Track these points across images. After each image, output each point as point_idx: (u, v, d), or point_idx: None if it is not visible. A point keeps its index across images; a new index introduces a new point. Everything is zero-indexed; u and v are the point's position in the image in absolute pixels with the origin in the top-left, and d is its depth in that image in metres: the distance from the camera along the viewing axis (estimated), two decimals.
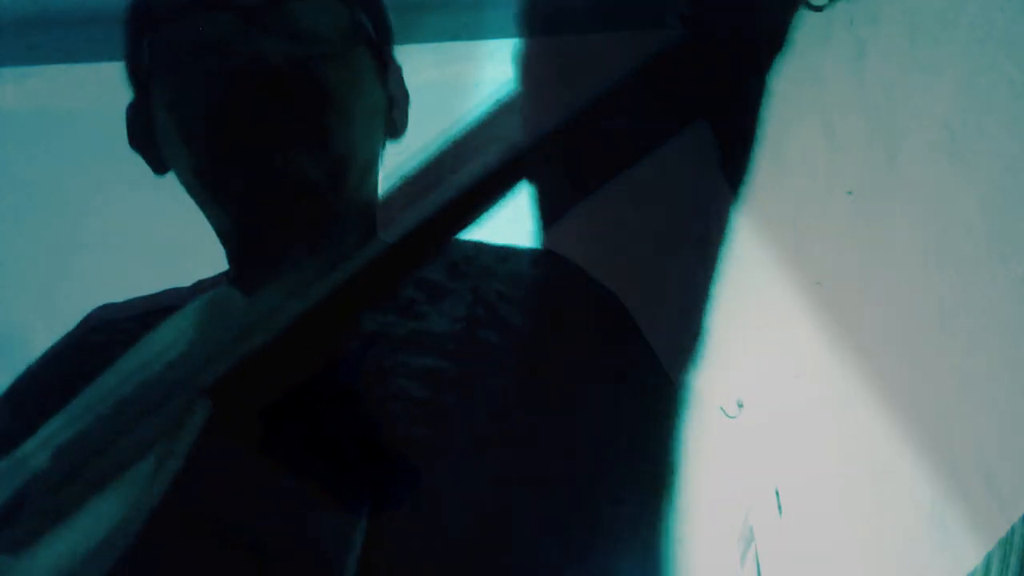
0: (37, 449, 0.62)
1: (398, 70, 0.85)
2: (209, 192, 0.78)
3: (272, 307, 0.53)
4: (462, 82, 1.90)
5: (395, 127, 0.84)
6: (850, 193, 1.64)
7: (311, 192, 0.73)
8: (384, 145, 0.84)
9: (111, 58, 2.02)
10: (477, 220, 0.49)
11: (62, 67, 1.94)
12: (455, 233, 0.50)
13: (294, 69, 0.74)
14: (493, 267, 0.74)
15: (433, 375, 0.66)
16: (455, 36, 1.89)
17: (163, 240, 1.86)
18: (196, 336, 0.58)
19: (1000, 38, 1.29)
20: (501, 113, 0.48)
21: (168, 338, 0.62)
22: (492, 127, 0.48)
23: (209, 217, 0.81)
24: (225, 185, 0.75)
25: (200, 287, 0.81)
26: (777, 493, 2.01)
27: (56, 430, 0.62)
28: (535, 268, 0.75)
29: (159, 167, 0.83)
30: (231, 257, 0.81)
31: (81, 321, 0.82)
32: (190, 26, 0.76)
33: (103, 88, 1.98)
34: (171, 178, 0.90)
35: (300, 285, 0.52)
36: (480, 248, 0.75)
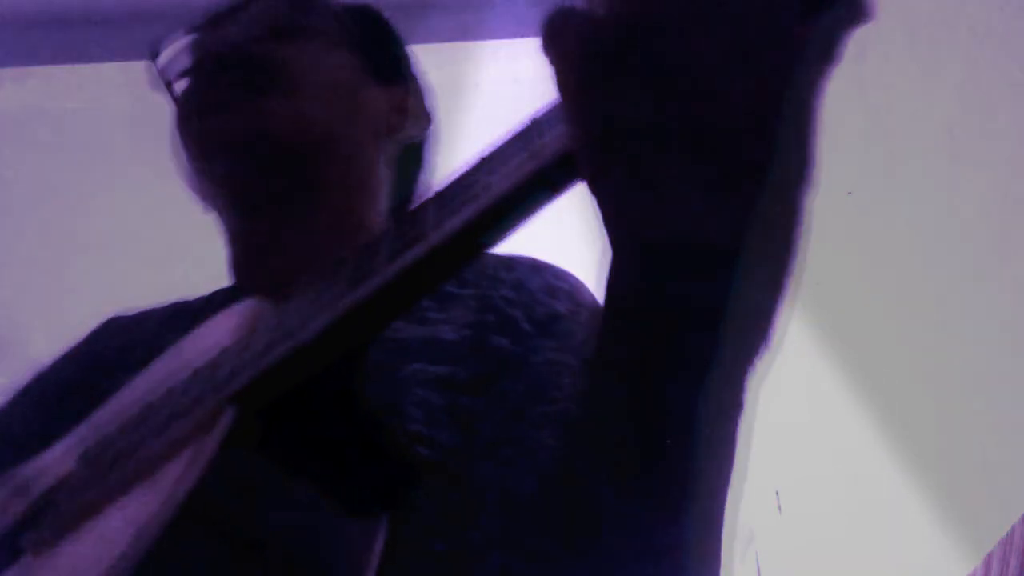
0: (64, 454, 0.62)
1: (412, 90, 0.88)
2: (207, 185, 0.80)
3: (300, 318, 0.53)
4: (462, 82, 1.90)
5: (397, 125, 0.86)
6: (850, 193, 1.64)
7: (271, 160, 0.76)
8: (388, 142, 0.85)
9: (111, 58, 2.03)
10: (512, 230, 0.49)
11: (62, 67, 1.94)
12: (489, 245, 0.50)
13: (250, 46, 0.79)
14: (499, 275, 0.74)
15: (448, 381, 0.67)
16: (455, 36, 1.89)
17: (163, 240, 1.86)
18: (226, 345, 0.58)
19: (1000, 38, 1.29)
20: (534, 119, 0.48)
21: (198, 346, 0.63)
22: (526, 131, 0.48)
23: (220, 224, 0.84)
24: (199, 165, 0.78)
25: (213, 300, 0.81)
26: (777, 493, 2.01)
27: (82, 436, 0.62)
28: (536, 275, 0.75)
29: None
30: (231, 259, 0.82)
31: (93, 330, 0.83)
32: (190, 40, 0.82)
33: (103, 88, 1.98)
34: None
35: (328, 296, 0.52)
36: (484, 257, 0.76)
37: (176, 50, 0.83)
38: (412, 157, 0.88)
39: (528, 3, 1.81)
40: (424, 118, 0.88)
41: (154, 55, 0.84)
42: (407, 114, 0.86)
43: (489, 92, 1.90)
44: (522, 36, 1.84)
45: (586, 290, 0.75)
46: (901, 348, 1.51)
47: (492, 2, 1.86)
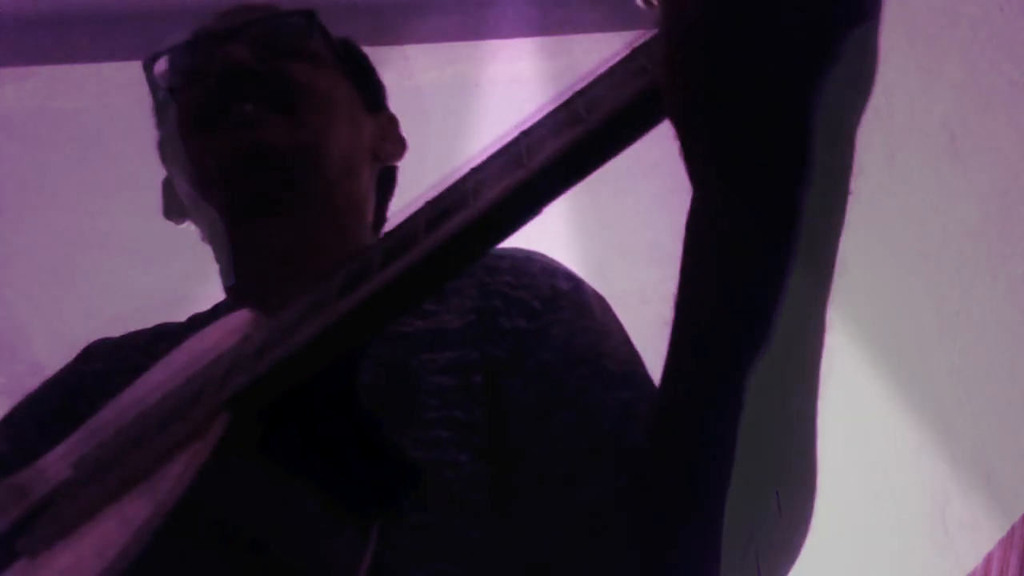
0: (58, 460, 0.63)
1: (392, 118, 0.92)
2: (197, 188, 0.81)
3: (292, 324, 0.54)
4: (462, 82, 1.90)
5: (381, 150, 0.89)
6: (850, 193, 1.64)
7: (283, 164, 0.78)
8: (373, 166, 0.89)
9: (111, 58, 2.03)
10: (509, 234, 0.49)
11: (62, 67, 1.94)
12: (481, 253, 0.51)
13: (261, 64, 0.83)
14: (492, 263, 0.76)
15: (459, 364, 0.69)
16: (455, 36, 1.89)
17: (162, 240, 1.86)
18: (218, 353, 0.59)
19: (1000, 38, 1.29)
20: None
21: (190, 355, 0.64)
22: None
23: (210, 232, 0.85)
24: (207, 169, 0.79)
25: (194, 322, 0.82)
26: (777, 493, 2.00)
27: (77, 443, 0.63)
28: (528, 260, 0.77)
29: (176, 213, 0.89)
30: (229, 266, 0.83)
31: (80, 352, 0.84)
32: (185, 53, 0.86)
33: (103, 88, 1.98)
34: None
35: (320, 302, 0.53)
36: None
37: (177, 57, 0.85)
38: (385, 181, 0.91)
39: (528, 3, 1.81)
40: (400, 145, 0.92)
41: (152, 60, 0.85)
42: (388, 140, 0.91)
43: (489, 92, 1.90)
44: (522, 36, 1.84)
45: (572, 271, 0.78)
46: (900, 348, 1.51)
47: (492, 2, 1.86)
